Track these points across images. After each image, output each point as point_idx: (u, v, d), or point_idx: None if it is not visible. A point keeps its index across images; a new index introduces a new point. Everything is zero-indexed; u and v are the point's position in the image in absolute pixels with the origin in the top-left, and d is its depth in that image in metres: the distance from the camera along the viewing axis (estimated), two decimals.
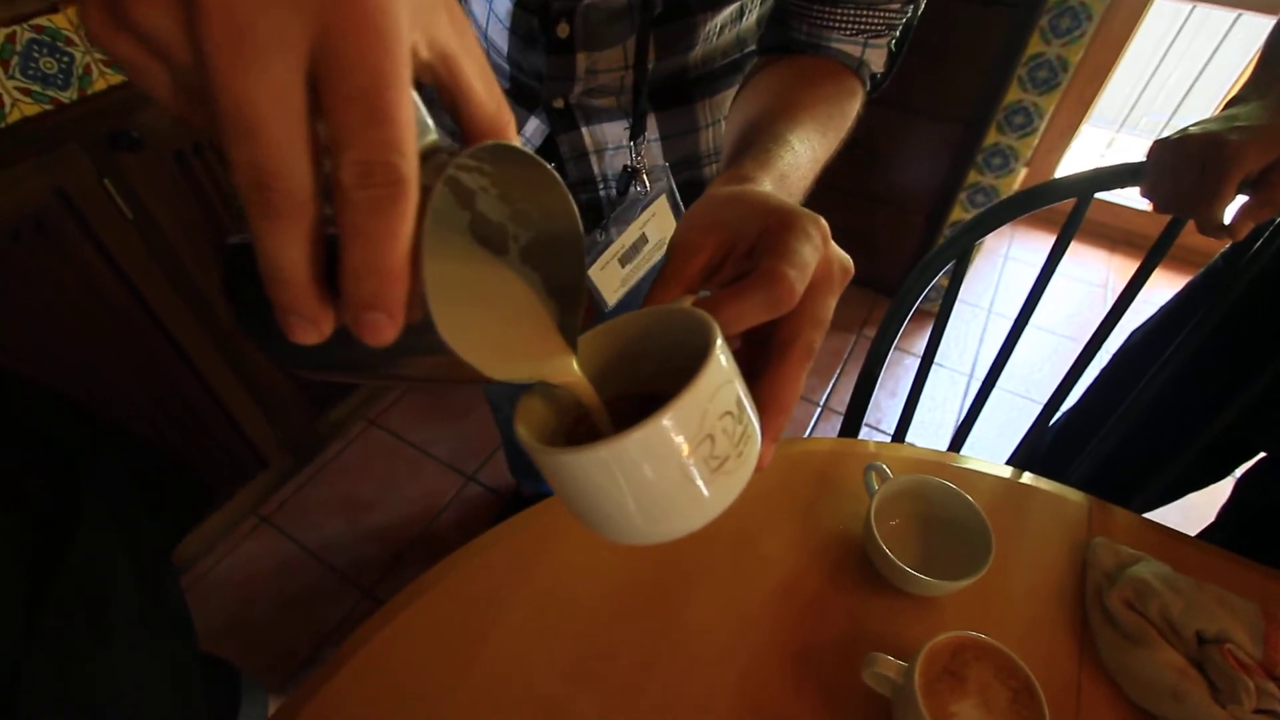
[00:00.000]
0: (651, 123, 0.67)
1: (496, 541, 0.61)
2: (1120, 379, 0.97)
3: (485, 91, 0.23)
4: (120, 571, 0.57)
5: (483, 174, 0.25)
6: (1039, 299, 0.80)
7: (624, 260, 0.66)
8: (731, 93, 0.69)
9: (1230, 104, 0.63)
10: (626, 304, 0.65)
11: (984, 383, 0.87)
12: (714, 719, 0.52)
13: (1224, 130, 0.58)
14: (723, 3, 0.57)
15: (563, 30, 0.56)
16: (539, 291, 0.29)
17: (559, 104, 0.64)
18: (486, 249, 0.27)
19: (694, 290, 0.33)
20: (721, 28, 0.61)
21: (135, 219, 0.99)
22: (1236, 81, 2.21)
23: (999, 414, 1.79)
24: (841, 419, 0.93)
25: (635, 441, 0.24)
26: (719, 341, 0.26)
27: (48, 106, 0.86)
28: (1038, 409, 0.87)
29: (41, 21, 0.83)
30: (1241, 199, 0.60)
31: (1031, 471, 0.70)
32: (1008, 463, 1.01)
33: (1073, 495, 0.68)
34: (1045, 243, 2.28)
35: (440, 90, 0.23)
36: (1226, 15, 2.19)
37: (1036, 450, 0.96)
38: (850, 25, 0.51)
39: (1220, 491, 0.99)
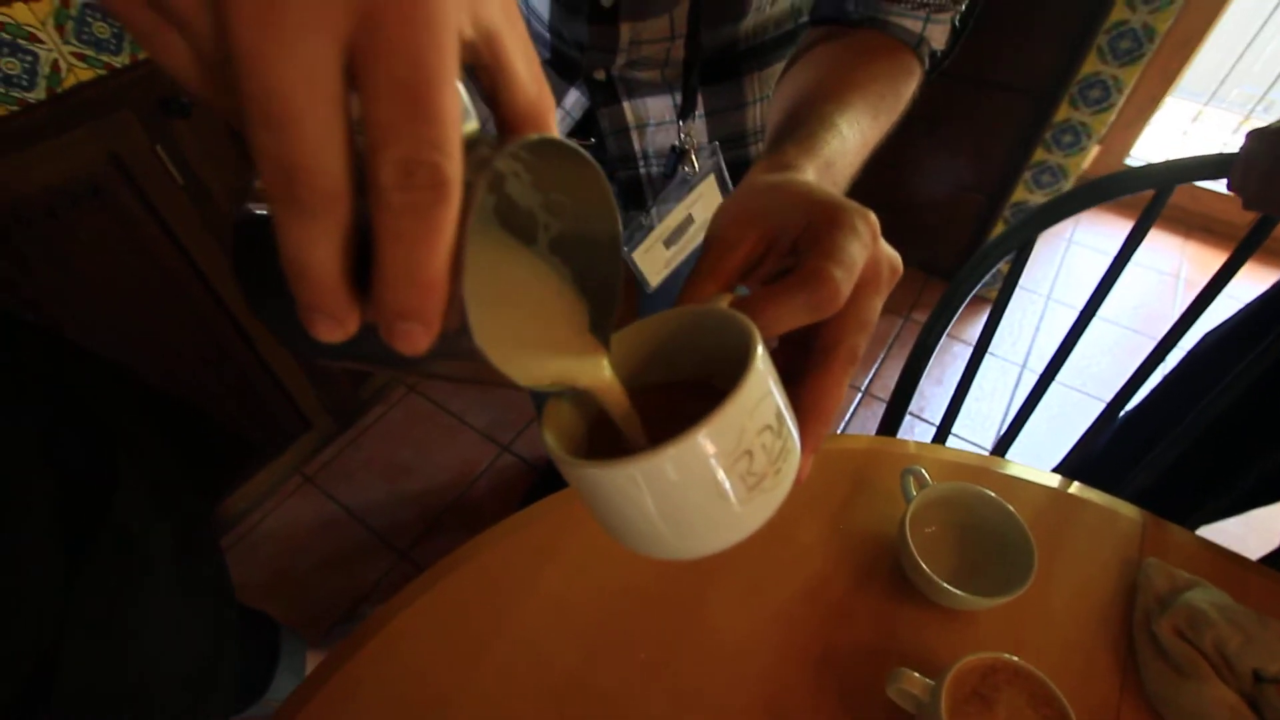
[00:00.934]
0: (696, 98, 0.64)
1: (528, 522, 0.61)
2: (1190, 385, 0.90)
3: (527, 73, 0.21)
4: (157, 536, 0.59)
5: (516, 159, 0.23)
6: (1108, 292, 0.75)
7: (668, 242, 0.64)
8: (781, 66, 0.65)
9: None
10: (668, 287, 0.63)
11: (1041, 376, 0.82)
12: (730, 716, 0.51)
13: None
14: None
15: None
16: (570, 287, 0.27)
17: (600, 76, 0.62)
18: (513, 236, 0.26)
19: (731, 288, 0.31)
20: None
21: (186, 184, 1.01)
22: None
23: (1051, 407, 1.70)
24: (884, 406, 0.90)
25: (669, 458, 0.23)
26: (760, 350, 0.24)
27: (101, 71, 0.88)
28: (1093, 403, 0.82)
29: None
30: None
31: (1084, 476, 0.66)
32: (1059, 465, 0.96)
33: (1125, 509, 0.64)
34: (1113, 226, 2.12)
35: (479, 70, 0.21)
36: None
37: (1090, 452, 0.91)
38: None
39: None
